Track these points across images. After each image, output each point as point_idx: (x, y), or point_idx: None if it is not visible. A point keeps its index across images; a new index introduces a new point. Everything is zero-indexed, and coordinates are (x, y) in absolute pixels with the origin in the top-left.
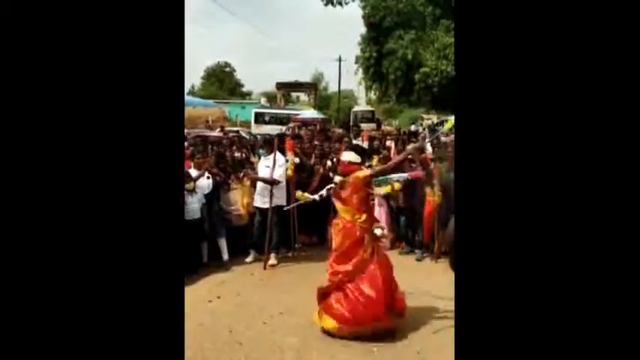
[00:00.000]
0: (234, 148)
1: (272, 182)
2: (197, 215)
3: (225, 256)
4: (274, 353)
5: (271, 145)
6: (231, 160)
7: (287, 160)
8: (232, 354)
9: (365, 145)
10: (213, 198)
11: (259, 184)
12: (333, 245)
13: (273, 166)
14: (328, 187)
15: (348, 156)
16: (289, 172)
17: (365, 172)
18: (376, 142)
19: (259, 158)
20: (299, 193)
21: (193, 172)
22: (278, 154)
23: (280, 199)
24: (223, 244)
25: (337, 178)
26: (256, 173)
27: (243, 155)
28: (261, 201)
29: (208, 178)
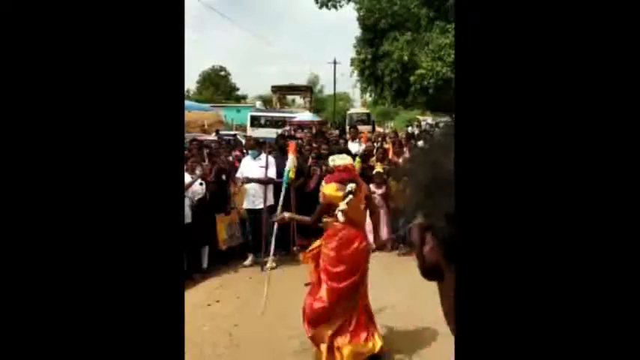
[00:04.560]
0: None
1: (268, 182)
2: (188, 219)
3: (205, 264)
4: (275, 356)
5: (263, 146)
6: (227, 164)
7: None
8: (232, 358)
9: (362, 147)
10: (205, 204)
11: (251, 186)
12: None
13: (266, 166)
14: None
15: (346, 159)
16: (291, 175)
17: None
18: (369, 144)
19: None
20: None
21: (185, 176)
22: (269, 156)
23: (270, 199)
24: (205, 250)
25: (351, 185)
26: (241, 173)
27: (237, 159)
28: (253, 202)
29: (201, 184)
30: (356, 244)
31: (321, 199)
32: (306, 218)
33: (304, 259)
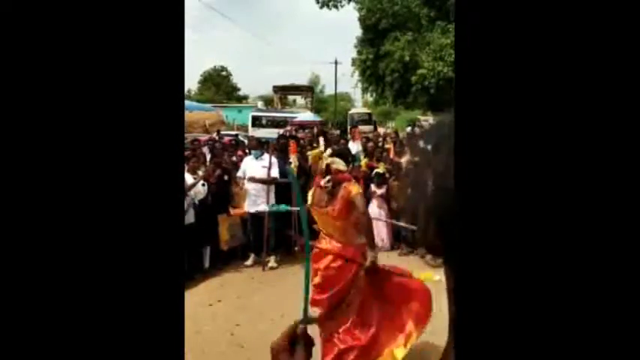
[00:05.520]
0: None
1: (271, 182)
2: (191, 219)
3: (207, 264)
4: None
5: (265, 146)
6: (229, 164)
7: (290, 163)
8: (234, 357)
9: (358, 145)
10: (207, 205)
11: (252, 186)
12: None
13: (270, 166)
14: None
15: (337, 162)
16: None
17: (357, 188)
18: (371, 144)
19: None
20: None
21: (187, 176)
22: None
23: (272, 199)
24: (207, 251)
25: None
26: (243, 173)
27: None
28: (255, 202)
29: (203, 185)
30: (325, 262)
31: None
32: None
33: None
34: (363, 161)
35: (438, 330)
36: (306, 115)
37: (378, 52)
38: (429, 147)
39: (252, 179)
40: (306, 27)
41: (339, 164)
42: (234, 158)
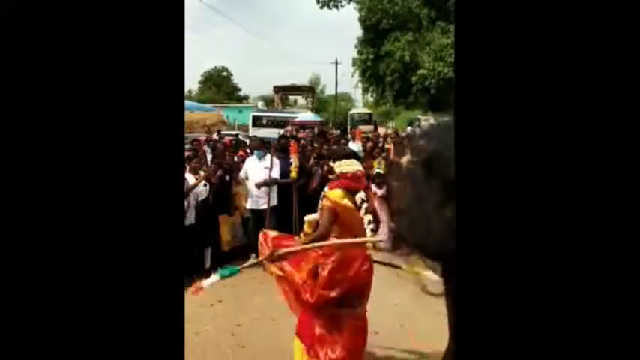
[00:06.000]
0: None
1: (273, 183)
2: (191, 220)
3: (207, 264)
4: (278, 356)
5: (268, 147)
6: (231, 164)
7: (291, 163)
8: (235, 357)
9: (358, 146)
10: (209, 205)
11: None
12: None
13: (271, 167)
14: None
15: (354, 165)
16: (293, 175)
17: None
18: (370, 144)
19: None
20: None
21: (189, 177)
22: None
23: (273, 199)
24: (208, 251)
25: (361, 196)
26: (245, 173)
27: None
28: (257, 202)
29: (205, 185)
30: (356, 266)
31: (323, 209)
32: (307, 246)
33: (269, 270)
34: (375, 162)
35: (436, 331)
36: (307, 115)
37: (378, 53)
38: (429, 148)
39: (256, 184)
40: (306, 27)
41: (356, 165)
42: (235, 158)
